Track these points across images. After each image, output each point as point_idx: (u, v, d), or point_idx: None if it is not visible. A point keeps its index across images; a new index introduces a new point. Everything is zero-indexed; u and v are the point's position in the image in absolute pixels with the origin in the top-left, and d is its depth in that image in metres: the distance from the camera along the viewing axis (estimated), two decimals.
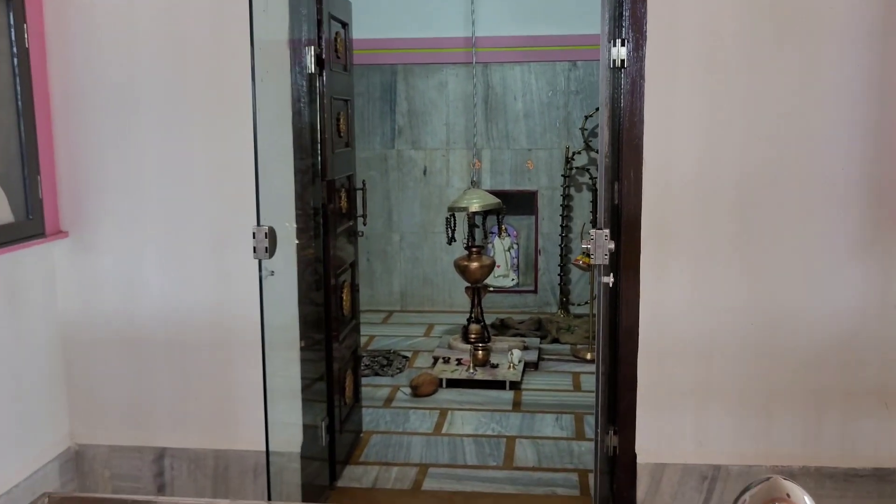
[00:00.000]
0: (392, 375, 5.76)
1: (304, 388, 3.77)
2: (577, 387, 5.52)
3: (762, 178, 3.42)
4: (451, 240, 6.01)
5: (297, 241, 3.59)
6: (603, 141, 3.27)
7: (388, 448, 4.52)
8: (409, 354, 6.24)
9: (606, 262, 2.98)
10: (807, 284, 3.47)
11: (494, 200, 5.94)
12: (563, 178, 7.24)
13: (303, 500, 3.76)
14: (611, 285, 3.09)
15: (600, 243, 2.97)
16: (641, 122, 3.40)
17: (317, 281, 3.83)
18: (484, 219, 6.04)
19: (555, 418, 4.95)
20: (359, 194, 4.49)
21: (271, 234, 3.07)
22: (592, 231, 3.00)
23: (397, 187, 7.49)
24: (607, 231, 3.00)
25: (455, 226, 6.02)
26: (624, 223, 3.57)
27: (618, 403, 3.68)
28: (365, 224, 4.49)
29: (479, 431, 4.74)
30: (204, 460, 3.84)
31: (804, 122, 3.39)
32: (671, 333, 3.56)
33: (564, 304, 7.34)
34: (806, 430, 3.54)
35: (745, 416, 3.57)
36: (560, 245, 7.32)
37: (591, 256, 2.99)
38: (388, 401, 5.27)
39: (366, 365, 5.90)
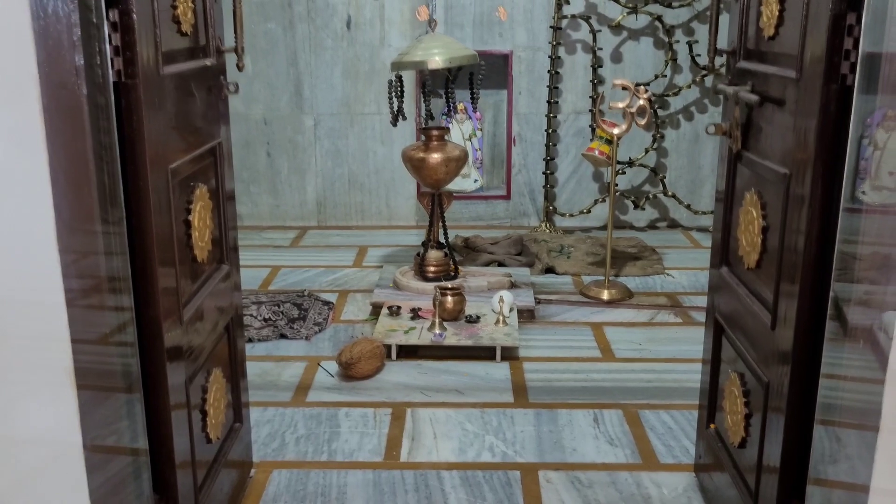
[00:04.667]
0: (307, 337, 3.57)
1: (95, 442, 1.57)
2: (605, 351, 3.45)
3: None
4: (396, 117, 3.75)
5: (42, 115, 1.32)
6: None
7: None
8: (332, 298, 4.04)
9: None
10: None
11: (466, 52, 3.67)
12: (551, 30, 4.99)
13: None
14: None
15: None
16: None
17: (106, 199, 1.56)
18: (449, 82, 3.77)
19: (591, 418, 2.87)
20: None
21: None
22: None
23: (309, 48, 5.11)
24: None
25: (403, 94, 3.74)
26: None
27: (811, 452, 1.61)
28: (241, 65, 2.17)
29: (470, 456, 2.63)
30: None
31: None
32: None
33: (549, 214, 5.22)
34: None
35: None
36: (546, 130, 5.12)
37: None
38: (302, 390, 3.09)
39: (264, 320, 3.68)
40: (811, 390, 1.69)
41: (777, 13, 1.80)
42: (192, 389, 1.93)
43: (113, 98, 1.55)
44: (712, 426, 2.31)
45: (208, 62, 2.03)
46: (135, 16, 1.55)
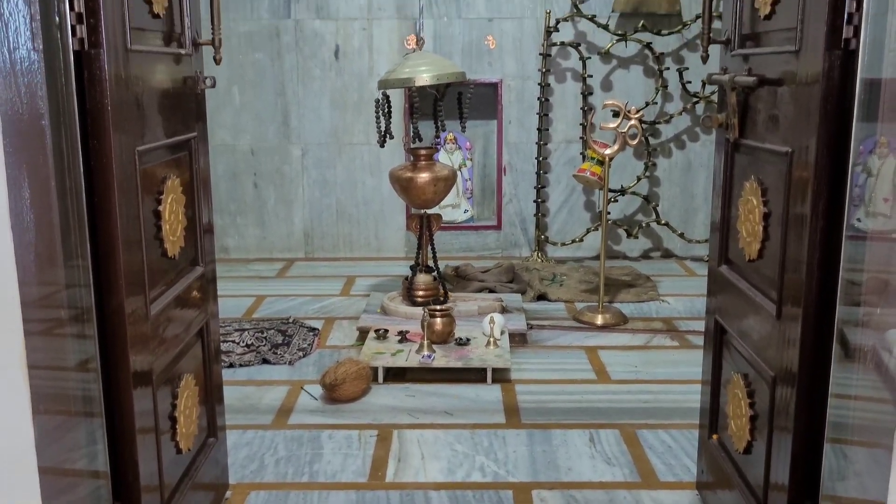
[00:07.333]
0: (290, 362, 3.43)
1: (48, 452, 1.45)
2: (600, 373, 3.33)
3: None
4: (384, 137, 3.67)
5: None
6: None
7: None
8: (318, 325, 3.91)
9: None
10: None
11: (454, 69, 3.62)
12: (540, 58, 4.96)
13: None
14: None
15: None
16: None
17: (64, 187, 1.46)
18: (437, 101, 3.71)
19: (587, 438, 2.74)
20: None
21: None
22: None
23: (297, 77, 5.07)
24: None
25: (390, 114, 3.68)
26: None
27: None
28: (218, 58, 2.08)
29: (459, 477, 2.49)
30: None
31: None
32: None
33: (541, 244, 5.13)
34: None
35: None
36: (536, 159, 5.07)
37: None
38: (284, 413, 2.95)
39: (246, 346, 3.55)
40: (822, 382, 1.58)
41: None
42: (160, 392, 1.80)
43: (73, 65, 1.46)
44: (715, 437, 2.19)
45: (183, 51, 1.95)
46: None
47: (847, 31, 1.46)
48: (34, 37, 1.35)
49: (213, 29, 2.06)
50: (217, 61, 2.07)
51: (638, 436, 2.75)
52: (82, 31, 1.48)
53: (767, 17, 1.78)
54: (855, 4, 1.44)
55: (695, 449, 2.51)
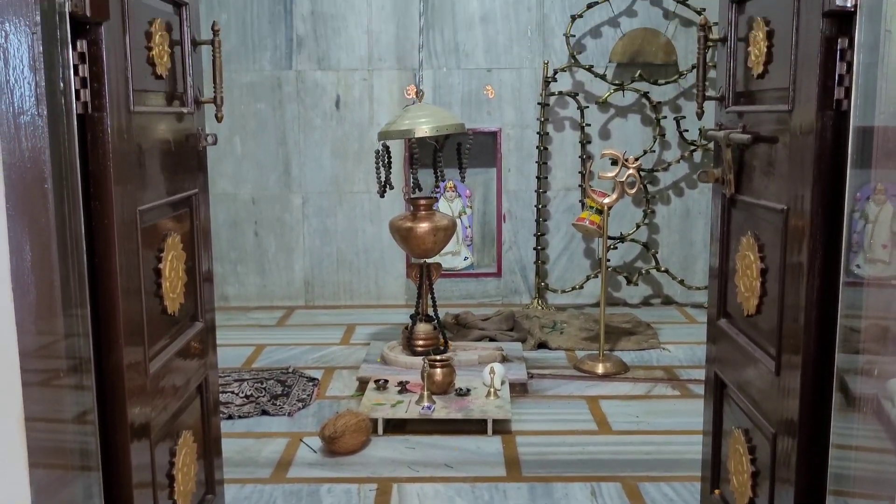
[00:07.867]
0: (290, 413, 3.41)
1: None
2: (602, 423, 3.31)
3: None
4: (383, 188, 3.70)
5: None
6: None
7: None
8: (318, 375, 3.90)
9: None
10: None
11: (453, 120, 3.66)
12: (539, 107, 5.01)
13: None
14: None
15: None
16: None
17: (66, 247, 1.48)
18: (437, 152, 3.74)
19: (588, 491, 2.71)
20: (206, 52, 2.13)
21: None
22: None
23: (298, 127, 5.13)
24: None
25: (390, 165, 3.71)
26: None
27: None
28: (220, 116, 2.11)
29: None
30: None
31: None
32: None
33: (541, 291, 5.13)
34: None
35: None
36: (536, 206, 5.09)
37: None
38: (283, 466, 2.93)
39: (245, 397, 3.53)
40: (823, 438, 1.57)
41: (765, 50, 1.77)
42: (158, 451, 1.79)
43: (76, 131, 1.48)
44: (717, 492, 2.17)
45: (185, 110, 1.98)
46: (104, 47, 1.50)
47: (838, 93, 1.49)
48: (39, 102, 1.38)
49: (214, 87, 2.09)
50: (219, 119, 2.10)
51: (640, 489, 2.72)
52: (86, 94, 1.50)
53: (760, 77, 1.81)
54: (846, 67, 1.47)
55: (697, 502, 2.49)
